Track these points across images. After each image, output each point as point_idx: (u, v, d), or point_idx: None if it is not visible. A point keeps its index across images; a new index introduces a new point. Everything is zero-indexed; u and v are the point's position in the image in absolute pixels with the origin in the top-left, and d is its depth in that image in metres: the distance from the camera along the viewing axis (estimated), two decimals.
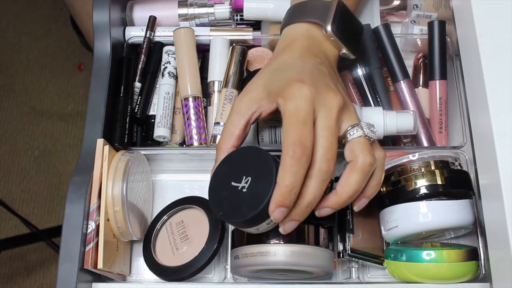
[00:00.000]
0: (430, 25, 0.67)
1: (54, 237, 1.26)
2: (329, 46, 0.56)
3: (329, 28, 0.55)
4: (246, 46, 0.67)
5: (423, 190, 0.56)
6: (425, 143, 0.65)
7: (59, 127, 1.50)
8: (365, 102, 0.67)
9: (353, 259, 0.58)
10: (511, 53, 0.52)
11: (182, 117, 0.65)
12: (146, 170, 0.63)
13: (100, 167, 0.57)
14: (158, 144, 0.66)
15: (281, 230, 0.50)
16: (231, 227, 0.59)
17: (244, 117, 0.52)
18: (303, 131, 0.47)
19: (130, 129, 0.64)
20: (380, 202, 0.59)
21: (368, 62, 0.67)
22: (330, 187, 0.50)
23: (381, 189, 0.59)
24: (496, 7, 0.55)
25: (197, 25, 0.71)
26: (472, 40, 0.54)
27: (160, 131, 0.65)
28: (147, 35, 0.68)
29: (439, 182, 0.56)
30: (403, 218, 0.56)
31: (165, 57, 0.68)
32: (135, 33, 0.69)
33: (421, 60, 0.69)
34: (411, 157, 0.57)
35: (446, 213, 0.55)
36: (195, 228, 0.60)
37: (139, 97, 0.67)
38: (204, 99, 0.66)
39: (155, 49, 0.69)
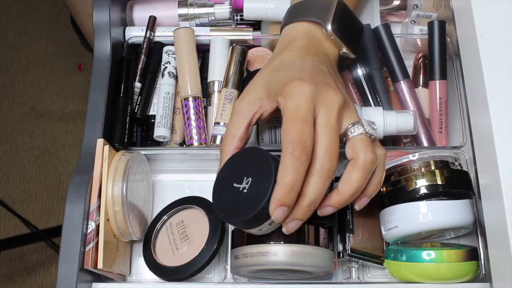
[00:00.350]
0: (430, 25, 0.67)
1: (54, 237, 1.26)
2: (329, 45, 0.56)
3: (329, 27, 0.55)
4: (246, 46, 0.67)
5: (423, 190, 0.56)
6: (425, 143, 0.65)
7: (59, 127, 1.50)
8: (365, 102, 0.67)
9: (353, 259, 0.58)
10: (511, 53, 0.52)
11: (182, 117, 0.65)
12: (146, 170, 0.63)
13: (100, 167, 0.57)
14: (158, 144, 0.66)
15: (284, 230, 0.50)
16: (231, 227, 0.59)
17: (246, 118, 0.52)
18: (303, 129, 0.47)
19: (130, 129, 0.64)
20: (380, 202, 0.59)
21: (368, 62, 0.67)
22: (330, 187, 0.50)
23: (381, 189, 0.59)
24: (496, 7, 0.55)
25: (197, 25, 0.71)
26: (472, 40, 0.54)
27: (160, 131, 0.65)
28: (147, 35, 0.68)
29: (439, 182, 0.56)
30: (403, 218, 0.56)
31: (165, 57, 0.68)
32: (135, 33, 0.69)
33: (421, 60, 0.69)
34: (411, 157, 0.57)
35: (446, 213, 0.55)
36: (195, 228, 0.60)
37: (139, 97, 0.67)
38: (204, 99, 0.66)
39: (155, 49, 0.69)
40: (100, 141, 0.58)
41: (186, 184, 0.66)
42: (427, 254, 0.54)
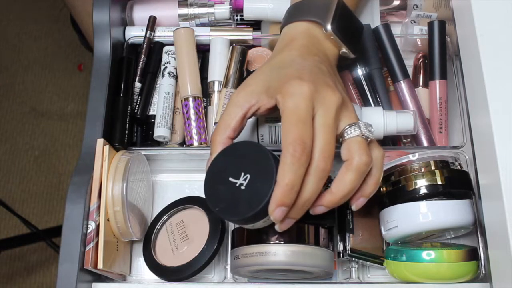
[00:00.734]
0: (430, 25, 0.67)
1: (54, 237, 1.26)
2: (329, 45, 0.56)
3: (329, 27, 0.55)
4: (246, 46, 0.67)
5: (423, 190, 0.56)
6: (425, 143, 0.65)
7: (59, 127, 1.50)
8: (365, 102, 0.67)
9: (353, 259, 0.58)
10: (511, 53, 0.52)
11: (182, 117, 0.65)
12: (146, 170, 0.63)
13: (100, 167, 0.57)
14: (158, 144, 0.66)
15: (277, 228, 0.50)
16: (231, 227, 0.59)
17: (242, 109, 0.52)
18: (303, 129, 0.47)
19: (130, 129, 0.64)
20: (380, 202, 0.59)
21: (368, 62, 0.67)
22: (326, 186, 0.50)
23: (381, 189, 0.59)
24: (496, 7, 0.55)
25: (197, 25, 0.71)
26: (472, 40, 0.54)
27: (160, 131, 0.65)
28: (147, 35, 0.68)
29: (439, 182, 0.56)
30: (403, 218, 0.56)
31: (165, 57, 0.68)
32: (135, 33, 0.69)
33: (421, 60, 0.69)
34: (411, 157, 0.57)
35: (446, 213, 0.55)
36: (195, 228, 0.60)
37: (139, 97, 0.67)
38: (204, 99, 0.66)
39: (155, 49, 0.69)
40: (100, 141, 0.58)
41: (186, 184, 0.66)
42: (427, 254, 0.54)
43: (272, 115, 0.54)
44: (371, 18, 0.70)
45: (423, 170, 0.57)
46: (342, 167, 0.49)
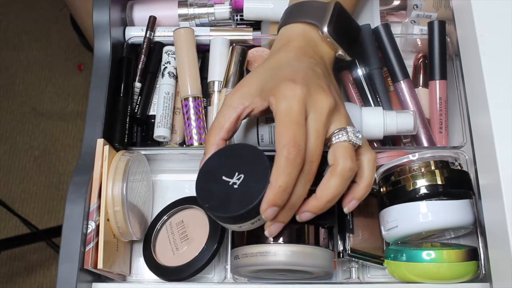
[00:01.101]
0: (430, 25, 0.67)
1: (54, 237, 1.26)
2: (325, 47, 0.56)
3: (325, 29, 0.55)
4: (246, 46, 0.67)
5: (423, 190, 0.56)
6: (425, 143, 0.65)
7: (59, 127, 1.50)
8: (365, 102, 0.67)
9: (353, 259, 0.58)
10: (511, 53, 0.52)
11: (182, 117, 0.65)
12: (146, 170, 0.63)
13: (100, 167, 0.57)
14: (158, 144, 0.66)
15: (267, 233, 0.50)
16: None
17: (236, 111, 0.52)
18: (297, 131, 0.47)
19: (130, 129, 0.64)
20: (380, 202, 0.59)
21: (368, 62, 0.67)
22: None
23: (381, 189, 0.59)
24: (496, 7, 0.55)
25: (197, 25, 0.71)
26: (472, 40, 0.54)
27: (160, 131, 0.65)
28: (147, 35, 0.68)
29: (439, 182, 0.56)
30: (403, 218, 0.56)
31: (165, 57, 0.68)
32: (135, 33, 0.69)
33: (421, 60, 0.69)
34: (411, 157, 0.57)
35: (446, 213, 0.55)
36: (195, 228, 0.60)
37: (139, 97, 0.67)
38: (204, 99, 0.66)
39: (155, 49, 0.69)
40: (100, 141, 0.58)
41: (186, 184, 0.66)
42: (427, 254, 0.54)
43: (270, 116, 0.54)
44: (371, 18, 0.70)
45: (423, 170, 0.57)
46: (327, 172, 0.49)
